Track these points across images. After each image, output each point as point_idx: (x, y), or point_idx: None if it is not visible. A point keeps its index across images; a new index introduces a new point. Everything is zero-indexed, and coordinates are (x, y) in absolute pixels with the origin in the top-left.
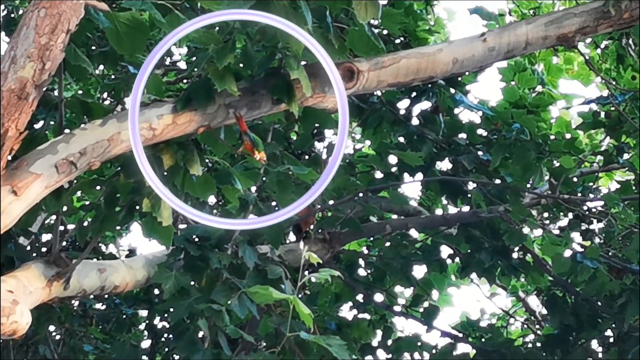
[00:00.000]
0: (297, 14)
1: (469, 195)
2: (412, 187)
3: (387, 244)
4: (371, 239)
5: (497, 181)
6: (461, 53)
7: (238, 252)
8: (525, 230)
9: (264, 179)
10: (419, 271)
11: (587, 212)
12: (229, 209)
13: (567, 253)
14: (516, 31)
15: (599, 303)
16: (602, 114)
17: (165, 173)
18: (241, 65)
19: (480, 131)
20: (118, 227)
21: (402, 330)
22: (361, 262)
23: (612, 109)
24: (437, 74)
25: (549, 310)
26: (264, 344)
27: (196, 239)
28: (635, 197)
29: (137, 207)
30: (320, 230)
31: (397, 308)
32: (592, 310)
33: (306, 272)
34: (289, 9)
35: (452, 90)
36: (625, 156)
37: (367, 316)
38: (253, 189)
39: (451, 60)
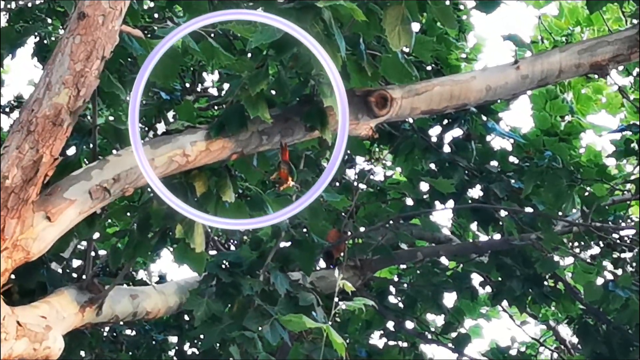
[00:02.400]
0: (330, 41)
1: (501, 223)
2: (443, 215)
3: (418, 271)
4: (402, 266)
5: (529, 209)
6: (494, 80)
7: (270, 278)
8: (557, 258)
9: None
10: (450, 299)
11: (618, 241)
12: (260, 235)
13: (599, 281)
14: (549, 59)
15: (631, 332)
16: (635, 142)
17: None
18: (273, 92)
19: (511, 159)
20: (149, 253)
21: (433, 357)
22: (392, 289)
23: None
24: (470, 101)
25: (581, 338)
26: None
27: (227, 265)
28: None
29: (170, 234)
30: (351, 258)
31: (427, 336)
32: (624, 339)
33: (336, 299)
34: (322, 36)
35: (484, 118)
36: None
37: (397, 344)
38: None
39: (484, 87)
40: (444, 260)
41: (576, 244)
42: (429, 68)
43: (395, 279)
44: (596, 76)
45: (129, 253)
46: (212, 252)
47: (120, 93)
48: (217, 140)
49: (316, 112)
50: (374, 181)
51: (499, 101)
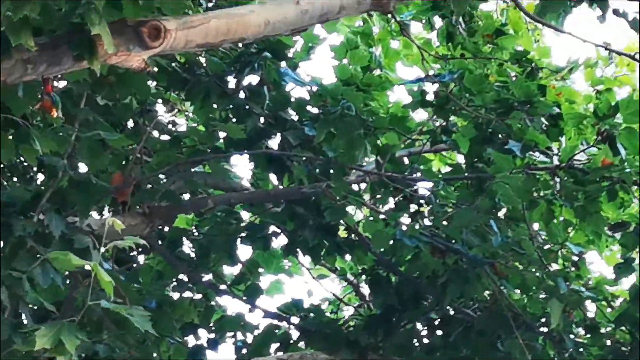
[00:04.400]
0: None
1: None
2: (243, 166)
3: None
4: (200, 217)
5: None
6: (273, 15)
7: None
8: (351, 209)
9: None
10: (247, 251)
11: (414, 193)
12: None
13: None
14: None
15: (422, 283)
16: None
17: None
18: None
19: (310, 109)
20: None
21: (225, 309)
22: (186, 240)
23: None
24: (248, 35)
25: (372, 290)
26: None
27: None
28: (462, 178)
29: None
30: (140, 204)
31: (221, 287)
32: (415, 290)
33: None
34: None
35: (283, 64)
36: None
37: (191, 295)
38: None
39: (263, 22)
40: (244, 214)
41: (376, 197)
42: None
43: (193, 229)
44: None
45: None
46: None
47: None
48: None
49: (84, 41)
50: (164, 126)
51: (295, 48)
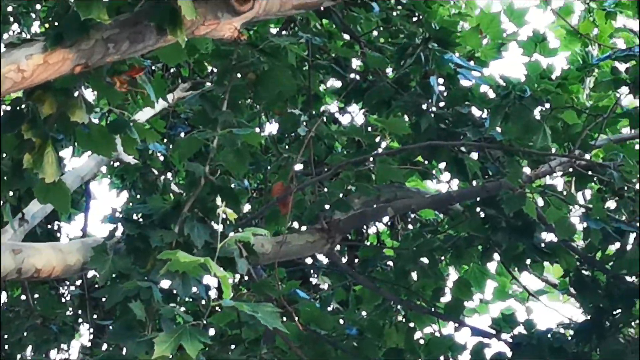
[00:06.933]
0: None
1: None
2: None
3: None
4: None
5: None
6: None
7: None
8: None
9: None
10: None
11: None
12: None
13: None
14: None
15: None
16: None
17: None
18: None
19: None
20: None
21: (433, 331)
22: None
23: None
24: None
25: (578, 292)
26: None
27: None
28: None
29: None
30: (317, 219)
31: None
32: (627, 289)
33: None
34: None
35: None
36: None
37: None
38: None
39: None
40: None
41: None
42: None
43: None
44: None
45: None
46: None
47: None
48: (55, 52)
49: (166, 11)
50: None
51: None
